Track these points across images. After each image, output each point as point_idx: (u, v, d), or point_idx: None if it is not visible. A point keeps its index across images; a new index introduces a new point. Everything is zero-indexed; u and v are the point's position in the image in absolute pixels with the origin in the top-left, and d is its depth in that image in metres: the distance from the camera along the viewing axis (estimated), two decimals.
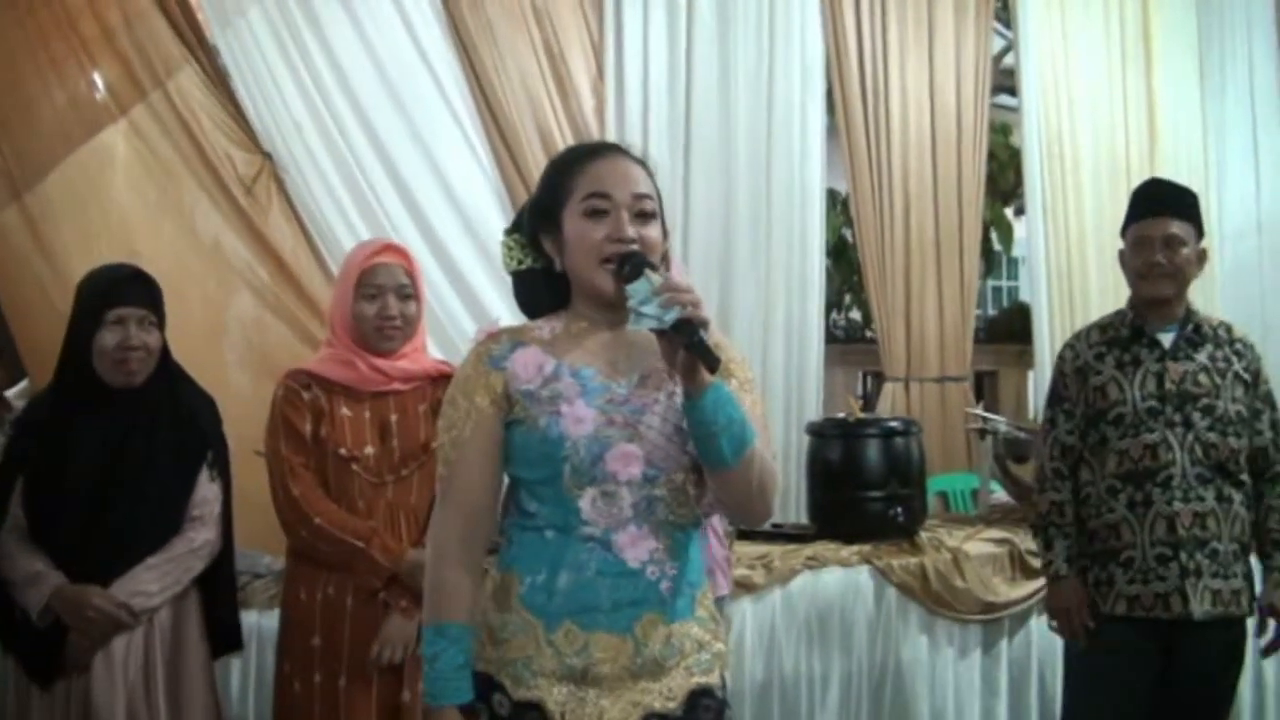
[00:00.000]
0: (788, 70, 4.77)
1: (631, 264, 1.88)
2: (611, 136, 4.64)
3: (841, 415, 4.06)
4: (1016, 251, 7.43)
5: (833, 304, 6.73)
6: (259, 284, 4.37)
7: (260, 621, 3.19)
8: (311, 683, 2.75)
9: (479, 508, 1.99)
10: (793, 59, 4.78)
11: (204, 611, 2.86)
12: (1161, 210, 3.05)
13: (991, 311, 8.55)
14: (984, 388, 6.26)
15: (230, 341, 4.39)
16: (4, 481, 2.75)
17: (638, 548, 1.89)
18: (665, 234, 2.01)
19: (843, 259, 6.69)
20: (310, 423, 2.79)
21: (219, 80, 4.28)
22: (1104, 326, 3.17)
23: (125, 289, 2.76)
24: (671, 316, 1.79)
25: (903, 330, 4.96)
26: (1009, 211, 7.31)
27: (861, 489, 3.83)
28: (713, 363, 1.79)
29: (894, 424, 3.94)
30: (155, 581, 2.72)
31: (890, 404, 4.93)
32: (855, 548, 3.76)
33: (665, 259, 2.03)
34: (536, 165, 4.46)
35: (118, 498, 2.71)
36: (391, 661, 2.72)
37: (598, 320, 1.98)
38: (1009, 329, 6.46)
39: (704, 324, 1.80)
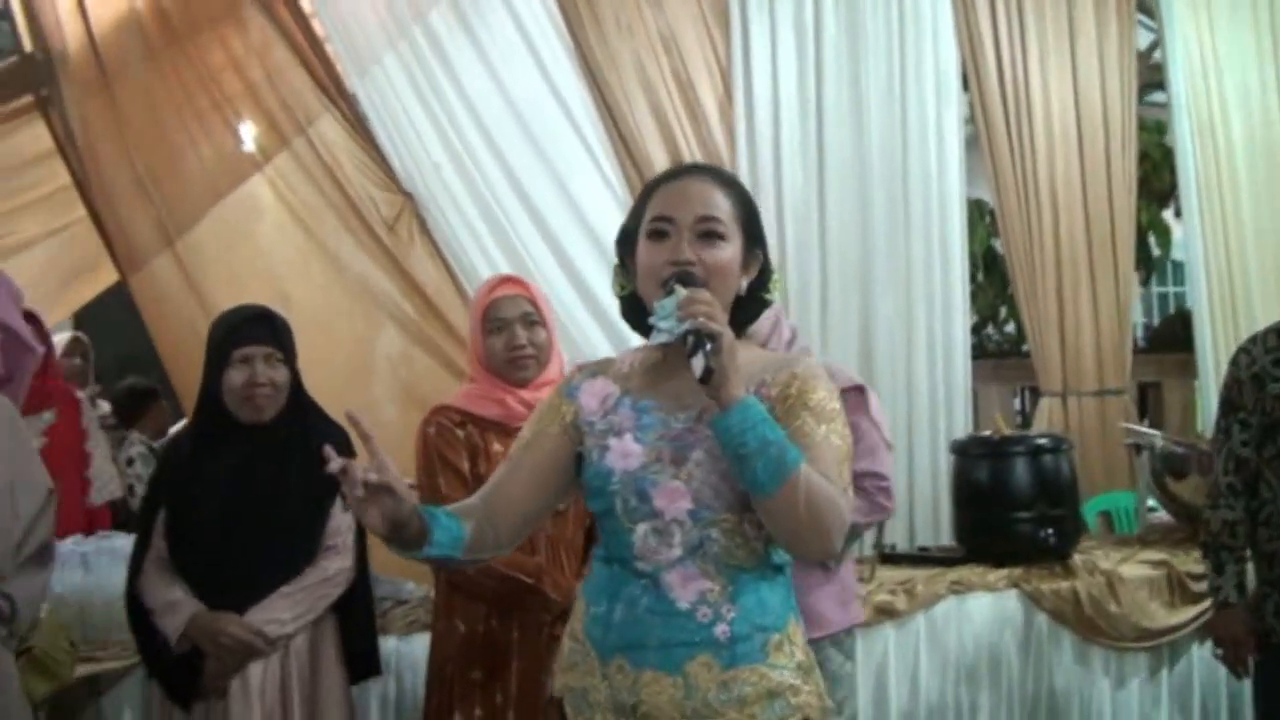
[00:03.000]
0: (921, 81, 4.70)
1: (672, 281, 1.84)
2: (743, 158, 4.66)
3: (987, 433, 3.93)
4: (1178, 254, 7.11)
5: (986, 318, 6.56)
6: (405, 319, 4.51)
7: (399, 647, 3.25)
8: (472, 716, 2.79)
9: (498, 501, 1.95)
10: (926, 69, 4.71)
11: (341, 637, 2.91)
12: None
13: (1156, 320, 8.22)
14: (1148, 401, 6.00)
15: (378, 376, 4.55)
16: (147, 513, 2.89)
17: (687, 588, 1.84)
18: (752, 255, 1.96)
19: (994, 271, 6.52)
20: (467, 460, 2.84)
21: (358, 125, 4.45)
22: None
23: (250, 329, 2.87)
24: (681, 328, 1.77)
25: (1057, 342, 4.80)
26: (1169, 214, 7.01)
27: (1010, 510, 3.71)
28: (705, 374, 1.74)
29: (1042, 441, 3.81)
30: (289, 609, 2.80)
31: (1047, 420, 4.77)
32: (1004, 572, 3.64)
33: (769, 282, 2.00)
34: None
35: (249, 529, 2.79)
36: None
37: (670, 350, 1.92)
38: (1173, 337, 6.18)
39: (711, 335, 1.76)
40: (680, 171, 2.03)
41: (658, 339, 1.82)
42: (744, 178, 4.62)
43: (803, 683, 1.87)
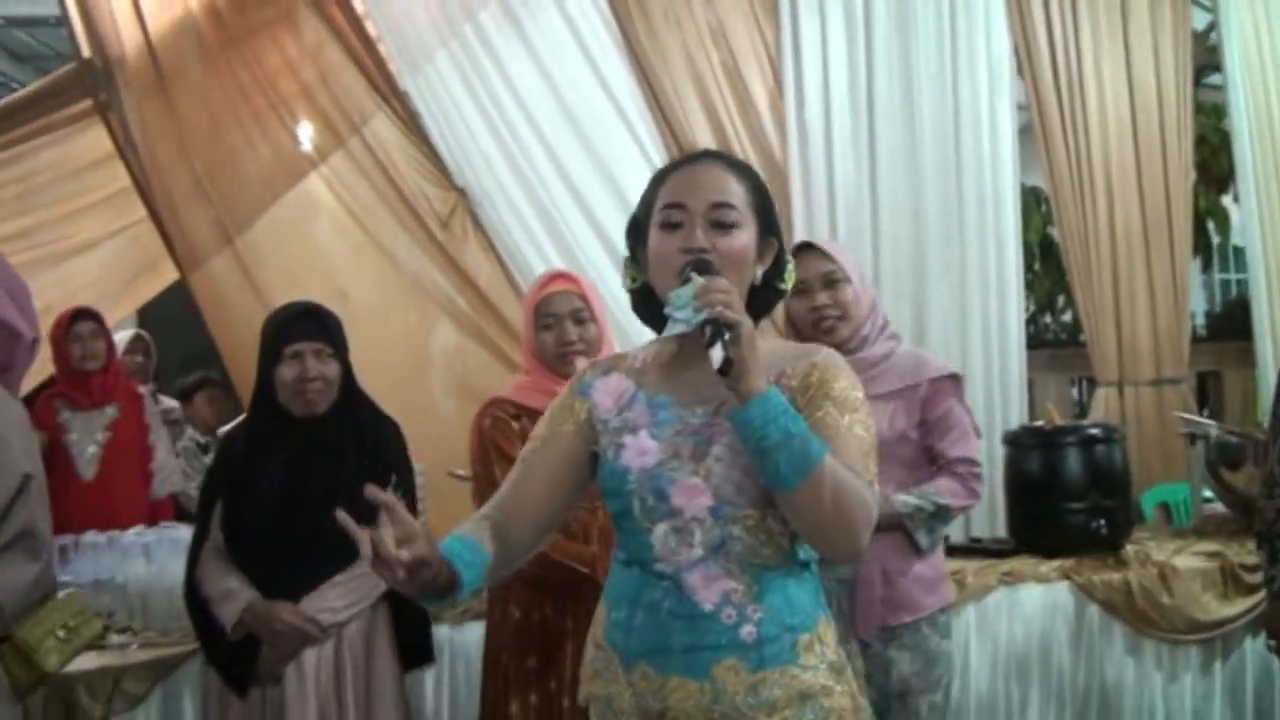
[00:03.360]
0: (973, 67, 4.67)
1: (687, 270, 1.77)
2: (793, 149, 4.66)
3: (1040, 424, 3.91)
4: (1238, 240, 6.99)
5: (1043, 307, 6.50)
6: (459, 314, 4.59)
7: (453, 636, 3.31)
8: (528, 703, 2.85)
9: (511, 507, 1.90)
10: (978, 55, 4.68)
11: (394, 626, 2.98)
12: None
13: (1217, 307, 8.08)
14: (1208, 390, 5.91)
15: (434, 369, 4.63)
16: (205, 505, 2.98)
17: (710, 589, 1.77)
18: (767, 242, 1.88)
19: (1051, 259, 6.45)
20: (520, 450, 2.89)
21: (412, 123, 4.51)
22: None
23: (300, 324, 2.94)
24: (698, 318, 1.70)
25: (1113, 331, 4.75)
26: (1228, 199, 6.89)
27: (1062, 501, 3.67)
28: (724, 366, 1.67)
29: (1095, 431, 3.77)
30: (341, 598, 2.87)
31: (1103, 410, 4.72)
32: (1056, 563, 3.61)
33: (784, 272, 1.93)
34: None
35: (302, 520, 2.86)
36: None
37: (686, 342, 1.85)
38: (1234, 325, 6.07)
39: (731, 325, 1.69)
40: (691, 158, 1.95)
41: (674, 330, 1.75)
42: (795, 169, 4.64)
43: (835, 683, 1.81)
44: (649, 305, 1.95)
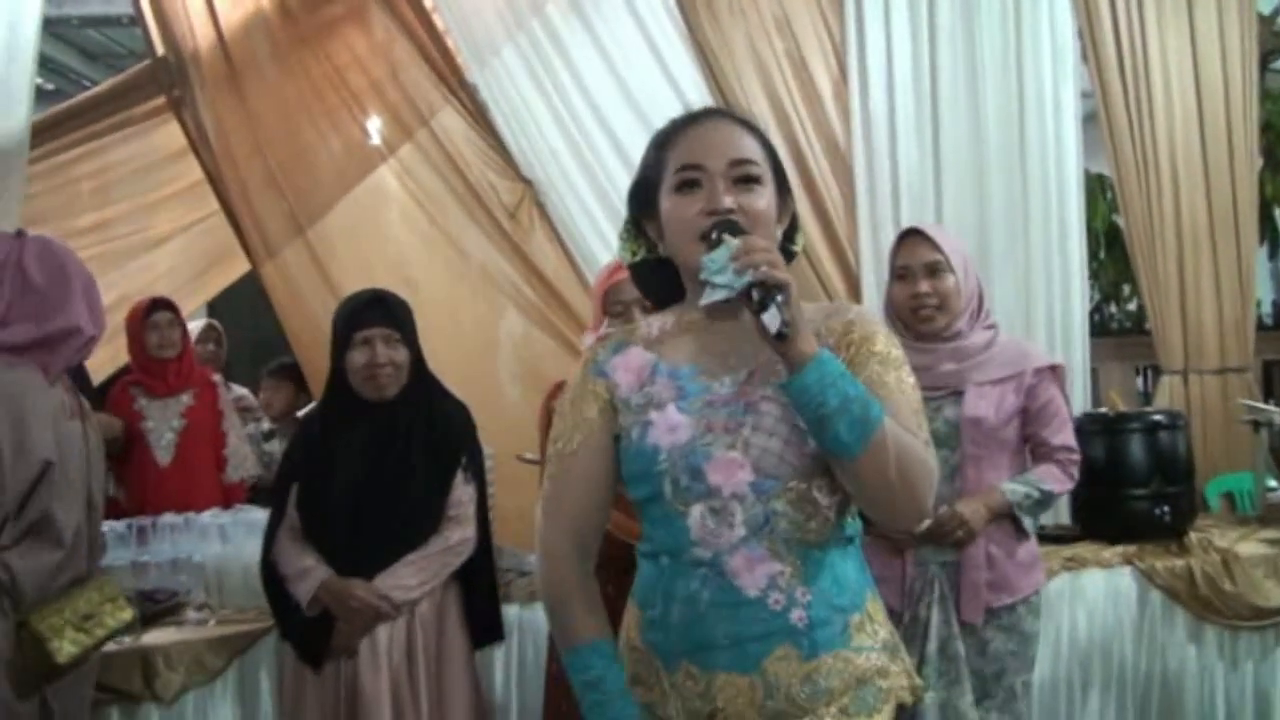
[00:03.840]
0: (1037, 56, 4.65)
1: (717, 232, 1.65)
2: (858, 138, 4.67)
3: (1103, 410, 3.92)
4: None
5: (1108, 295, 6.47)
6: (526, 303, 4.68)
7: (521, 615, 3.40)
8: None
9: (588, 525, 1.81)
10: (1042, 43, 4.65)
11: (465, 604, 3.08)
12: None
13: None
14: (1273, 379, 5.86)
15: (502, 357, 4.73)
16: (282, 487, 3.09)
17: (755, 573, 1.65)
18: (785, 202, 1.78)
19: (1117, 247, 6.41)
20: None
21: (479, 116, 4.59)
22: None
23: (368, 312, 3.04)
24: (742, 282, 1.58)
25: (1178, 319, 4.72)
26: None
27: (1125, 487, 3.69)
28: (779, 327, 1.56)
29: (1158, 418, 3.78)
30: (414, 576, 2.97)
31: (1168, 398, 4.70)
32: (1119, 549, 3.63)
33: (795, 234, 1.82)
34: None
35: (377, 500, 2.97)
36: None
37: (708, 308, 1.72)
38: None
39: (780, 285, 1.57)
40: (695, 117, 1.82)
41: (714, 296, 1.61)
42: (859, 157, 4.66)
43: (890, 662, 1.72)
44: (655, 277, 1.86)
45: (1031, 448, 2.96)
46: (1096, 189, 5.39)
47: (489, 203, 4.64)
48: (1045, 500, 2.90)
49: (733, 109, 1.90)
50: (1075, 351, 4.65)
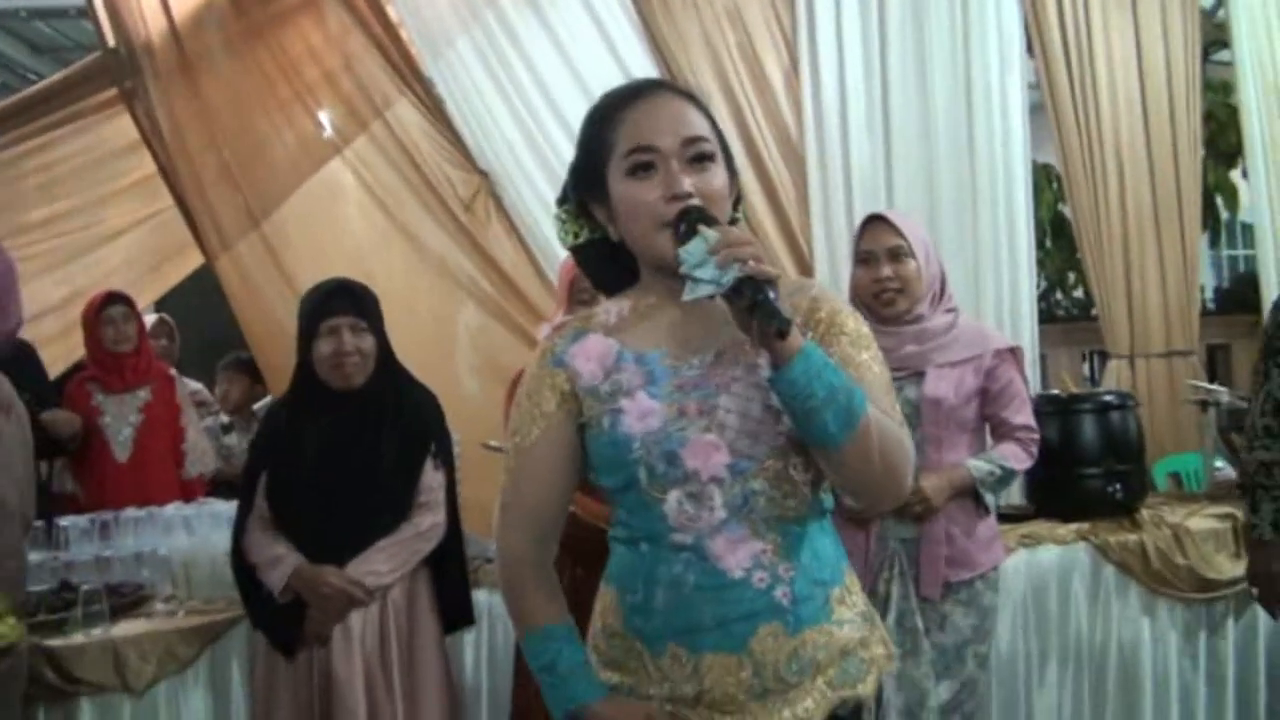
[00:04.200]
0: (984, 48, 4.76)
1: (687, 222, 1.61)
2: (809, 130, 4.75)
3: (1056, 392, 4.03)
4: (1246, 216, 7.10)
5: (1054, 283, 6.63)
6: (483, 295, 4.71)
7: (490, 600, 3.42)
8: None
9: (546, 518, 1.81)
10: (989, 35, 4.77)
11: (435, 589, 3.12)
12: None
13: (1226, 282, 8.21)
14: (1216, 362, 6.03)
15: (460, 349, 4.76)
16: (250, 477, 3.11)
17: (738, 553, 1.64)
18: (733, 176, 1.74)
19: (1063, 236, 6.56)
20: None
21: (434, 108, 4.62)
22: None
23: (334, 301, 3.07)
24: (730, 277, 1.54)
25: (1124, 305, 4.86)
26: (1237, 174, 7.00)
27: (1078, 466, 3.78)
28: (779, 325, 1.53)
29: (1109, 398, 3.87)
30: (385, 562, 3.01)
31: (1115, 382, 4.82)
32: (1073, 526, 3.73)
33: (738, 205, 1.79)
34: (738, 165, 4.63)
35: (347, 488, 3.00)
36: None
37: (668, 293, 1.71)
38: (1242, 299, 6.19)
39: (769, 279, 1.54)
40: (640, 90, 1.75)
41: (699, 293, 1.56)
42: (811, 149, 4.75)
43: (870, 633, 1.74)
44: (598, 263, 1.83)
45: (992, 427, 3.06)
46: (1043, 179, 5.52)
47: (445, 195, 4.67)
48: (1006, 477, 3.00)
49: (673, 81, 1.81)
50: (1024, 337, 4.76)
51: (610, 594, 1.79)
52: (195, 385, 5.28)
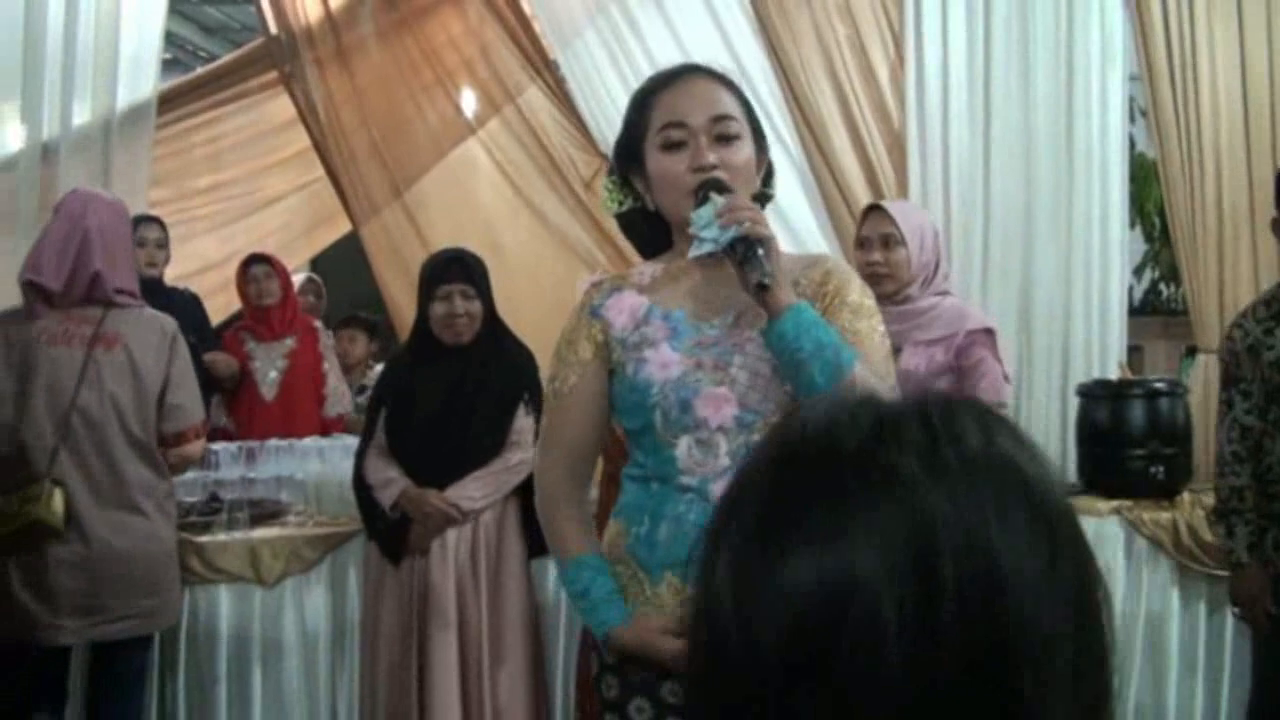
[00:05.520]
0: (1087, 43, 5.28)
1: (704, 190, 1.91)
2: (912, 122, 5.39)
3: (1111, 378, 4.61)
4: None
5: (1165, 277, 7.05)
6: (598, 265, 5.46)
7: None
8: None
9: (581, 457, 2.12)
10: (1092, 31, 5.29)
11: (522, 518, 3.91)
12: None
13: None
14: None
15: None
16: (372, 413, 4.00)
17: None
18: (762, 153, 2.03)
19: None
20: None
21: (561, 94, 5.42)
22: (1268, 301, 3.43)
23: (447, 270, 3.91)
24: (727, 236, 1.83)
25: (1215, 302, 5.32)
26: None
27: (1124, 447, 4.35)
28: (760, 278, 1.80)
29: (1159, 385, 4.45)
30: (479, 489, 3.84)
31: (1202, 375, 5.31)
32: (1113, 502, 4.30)
33: (769, 178, 2.08)
34: (843, 154, 5.34)
35: (451, 426, 3.85)
36: None
37: (698, 259, 1.98)
38: None
39: (762, 240, 1.82)
40: (677, 73, 2.06)
41: (701, 250, 1.87)
42: (913, 140, 5.37)
43: None
44: (640, 228, 2.15)
45: None
46: (1153, 175, 5.94)
47: (568, 174, 5.46)
48: None
49: (709, 65, 2.11)
50: (1113, 329, 5.29)
51: (618, 525, 2.09)
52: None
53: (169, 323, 3.75)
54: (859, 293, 2.03)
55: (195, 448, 3.77)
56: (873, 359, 1.95)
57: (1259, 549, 3.41)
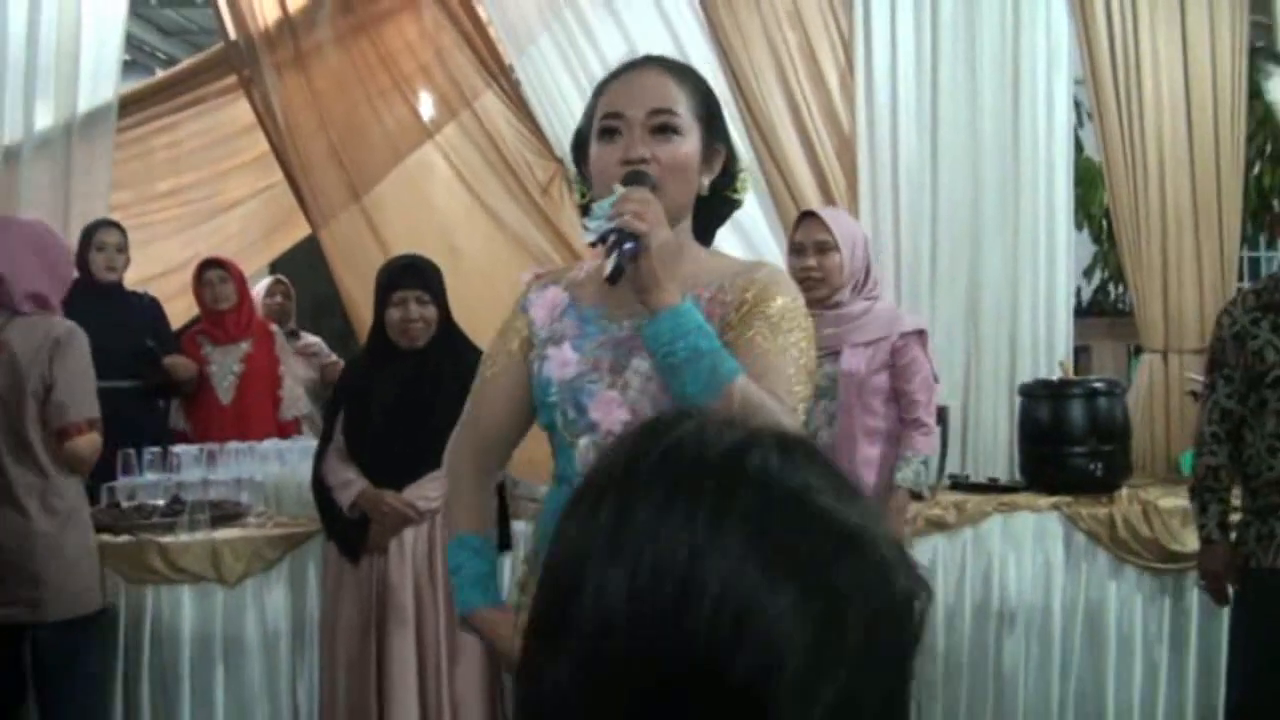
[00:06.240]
0: (1033, 47, 5.54)
1: (626, 181, 1.89)
2: (861, 127, 5.63)
3: (1051, 377, 4.88)
4: None
5: (1115, 278, 7.32)
6: (554, 267, 5.72)
7: (527, 529, 4.32)
8: None
9: (492, 440, 2.17)
10: (1038, 35, 5.55)
11: None
12: None
13: None
14: None
15: None
16: (330, 414, 4.23)
17: None
18: (712, 151, 2.01)
19: None
20: None
21: (517, 99, 5.64)
22: (1258, 291, 3.59)
23: (403, 276, 4.14)
24: (606, 227, 1.83)
25: (1160, 302, 5.57)
26: None
27: (1064, 445, 4.63)
28: (614, 274, 1.80)
29: (1098, 385, 4.73)
30: (436, 489, 4.03)
31: (1147, 375, 5.57)
32: (1053, 498, 4.57)
33: (732, 178, 2.06)
34: (794, 158, 5.59)
35: (407, 427, 4.07)
36: None
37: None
38: None
39: (634, 234, 1.80)
40: (630, 65, 2.05)
41: (585, 239, 1.92)
42: (863, 145, 5.62)
43: None
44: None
45: (897, 398, 3.92)
46: (1099, 177, 6.17)
47: (524, 178, 5.67)
48: (928, 461, 3.91)
49: (672, 59, 2.11)
50: (1059, 329, 5.54)
51: (539, 529, 2.18)
52: (313, 339, 6.46)
53: (60, 326, 3.93)
54: (783, 303, 1.99)
55: (83, 444, 3.90)
56: (774, 374, 1.92)
57: (1243, 540, 3.58)
